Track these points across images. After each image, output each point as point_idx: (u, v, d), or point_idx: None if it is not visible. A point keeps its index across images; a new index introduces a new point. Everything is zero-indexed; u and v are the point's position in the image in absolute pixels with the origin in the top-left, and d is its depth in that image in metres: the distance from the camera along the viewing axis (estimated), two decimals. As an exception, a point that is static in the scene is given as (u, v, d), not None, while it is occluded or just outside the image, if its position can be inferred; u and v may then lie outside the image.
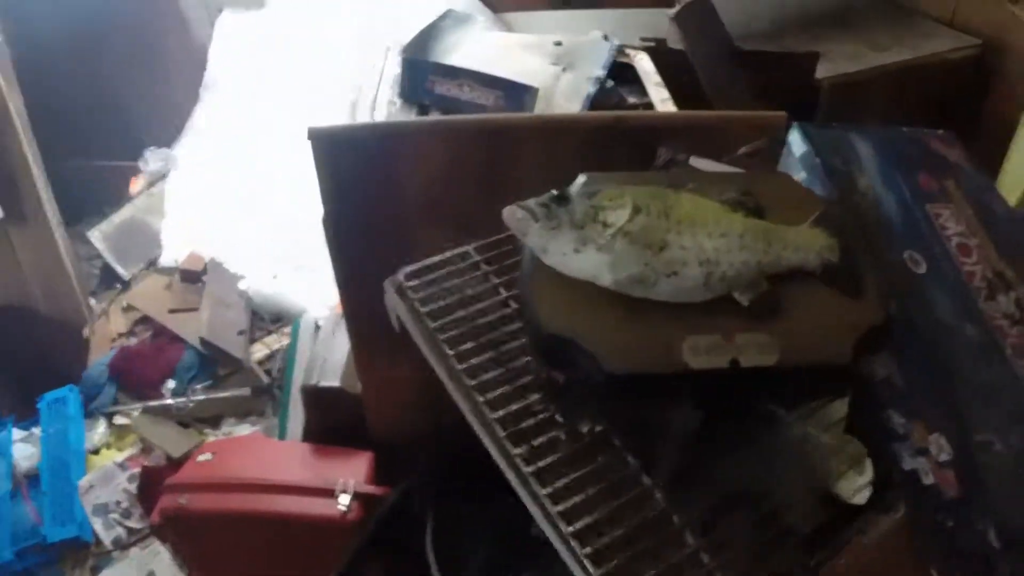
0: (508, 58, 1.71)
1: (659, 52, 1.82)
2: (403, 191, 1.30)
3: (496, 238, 0.99)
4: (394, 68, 1.71)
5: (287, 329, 2.18)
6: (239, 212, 2.34)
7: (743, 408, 0.83)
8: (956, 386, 0.88)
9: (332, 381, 1.74)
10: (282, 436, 1.85)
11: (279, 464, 1.70)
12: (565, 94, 1.64)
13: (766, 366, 0.76)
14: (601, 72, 1.74)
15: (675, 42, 1.85)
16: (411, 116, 1.57)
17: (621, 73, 1.80)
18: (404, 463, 1.71)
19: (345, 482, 1.62)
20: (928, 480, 0.84)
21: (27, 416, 2.10)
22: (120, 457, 2.01)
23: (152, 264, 2.35)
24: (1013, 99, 1.89)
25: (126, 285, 2.35)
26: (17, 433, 2.07)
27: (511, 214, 0.79)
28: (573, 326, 0.77)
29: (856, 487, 0.85)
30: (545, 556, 0.79)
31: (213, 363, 2.12)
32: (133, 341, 2.19)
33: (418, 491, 1.56)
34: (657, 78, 1.73)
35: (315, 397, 1.75)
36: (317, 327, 2.04)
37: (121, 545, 1.90)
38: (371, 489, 1.63)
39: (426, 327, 0.91)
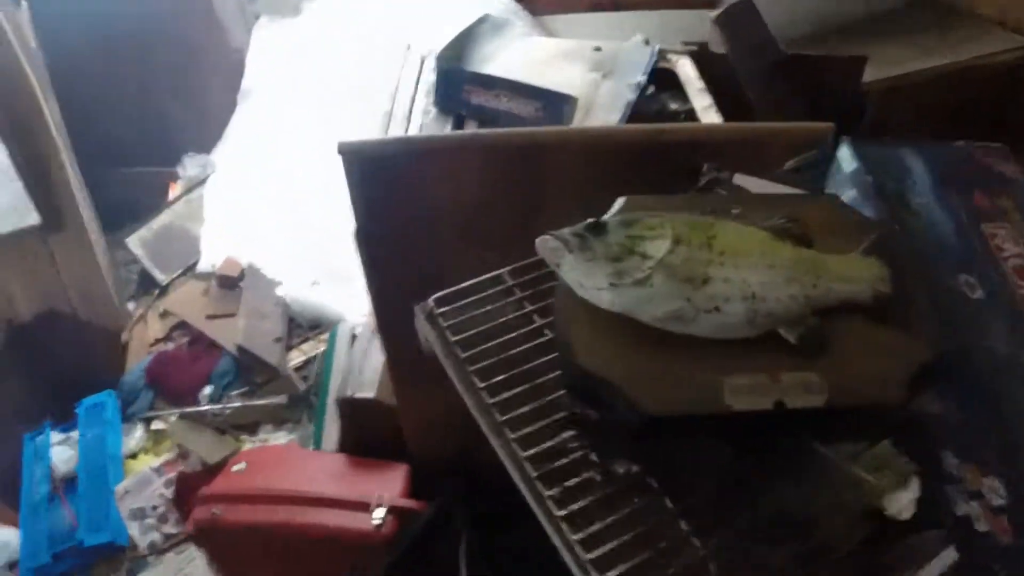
0: (546, 66, 1.67)
1: (701, 56, 1.77)
2: (436, 207, 1.28)
3: (530, 261, 0.95)
4: (429, 76, 1.68)
5: (324, 335, 2.17)
6: (277, 218, 2.34)
7: (786, 448, 0.78)
8: (1012, 424, 0.82)
9: (367, 393, 1.73)
10: (317, 445, 1.84)
11: (313, 476, 1.69)
12: (605, 103, 1.60)
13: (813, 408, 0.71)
14: (642, 78, 1.69)
15: (717, 46, 1.79)
16: (446, 126, 1.54)
17: (662, 78, 1.75)
18: (441, 476, 1.69)
19: (380, 496, 1.61)
20: (982, 526, 0.79)
21: (65, 420, 2.11)
22: (156, 462, 2.02)
23: (190, 270, 2.36)
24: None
25: (164, 290, 2.36)
26: (55, 436, 2.09)
27: (544, 244, 0.76)
28: (609, 365, 0.73)
29: (902, 504, 0.81)
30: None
31: (249, 370, 2.12)
32: (170, 346, 2.20)
33: (453, 510, 1.54)
34: (700, 84, 1.67)
35: (350, 409, 1.73)
36: (354, 336, 2.02)
37: (156, 550, 1.91)
38: (406, 503, 1.62)
39: (456, 357, 0.88)
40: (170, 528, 1.93)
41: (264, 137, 2.40)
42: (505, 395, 0.84)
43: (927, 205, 0.96)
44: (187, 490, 1.92)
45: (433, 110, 1.59)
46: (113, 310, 2.29)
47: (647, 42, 1.78)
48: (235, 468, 1.71)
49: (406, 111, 1.60)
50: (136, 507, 1.94)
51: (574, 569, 0.72)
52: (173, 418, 2.06)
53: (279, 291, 2.24)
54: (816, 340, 0.73)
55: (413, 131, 1.55)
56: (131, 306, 2.35)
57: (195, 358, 2.13)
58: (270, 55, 2.42)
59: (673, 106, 1.73)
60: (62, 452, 2.05)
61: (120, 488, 1.95)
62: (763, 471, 0.80)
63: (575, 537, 0.73)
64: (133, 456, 2.04)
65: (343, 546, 1.58)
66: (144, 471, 1.98)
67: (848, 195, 0.98)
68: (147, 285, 2.40)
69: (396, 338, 1.47)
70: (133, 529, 1.92)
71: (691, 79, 1.70)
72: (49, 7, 2.28)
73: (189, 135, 2.54)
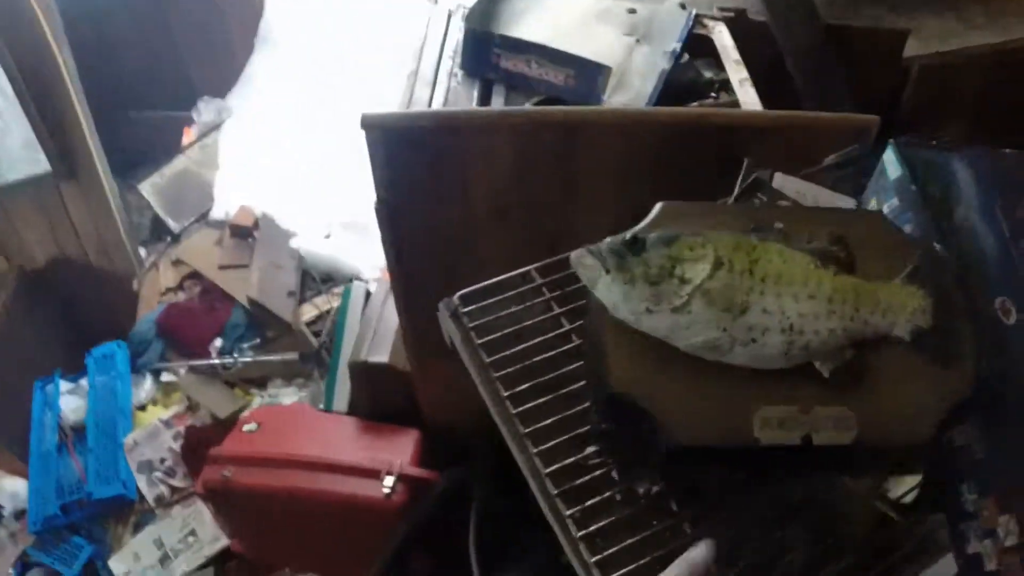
0: (579, 29, 1.60)
1: (739, 23, 1.70)
2: (466, 181, 1.24)
3: (560, 257, 0.92)
4: (457, 35, 1.61)
5: (337, 290, 2.16)
6: (292, 166, 2.30)
7: (809, 480, 0.76)
8: None
9: (381, 357, 1.71)
10: (328, 404, 1.83)
11: (324, 440, 1.68)
12: (639, 71, 1.53)
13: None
14: (677, 45, 1.62)
15: (756, 13, 1.72)
16: (473, 91, 1.48)
17: (697, 43, 1.69)
18: (453, 443, 1.68)
19: (391, 463, 1.60)
20: (991, 566, 0.77)
21: (77, 369, 2.11)
22: (166, 415, 2.02)
23: (203, 218, 2.33)
24: None
25: (176, 238, 2.33)
26: (64, 385, 2.09)
27: (579, 260, 0.72)
28: (640, 387, 0.71)
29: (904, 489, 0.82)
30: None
31: (261, 323, 2.10)
32: (182, 296, 2.19)
33: (468, 481, 1.53)
34: (736, 55, 1.61)
35: (363, 373, 1.72)
36: (368, 294, 2.01)
37: (164, 503, 1.92)
38: (417, 472, 1.62)
39: (481, 361, 0.85)
40: (178, 482, 1.94)
41: (282, 83, 2.34)
42: (529, 405, 0.81)
43: (970, 218, 0.91)
44: (195, 444, 1.93)
45: (459, 73, 1.53)
46: (126, 258, 2.27)
47: (683, 6, 1.71)
48: (246, 428, 1.71)
49: (432, 72, 1.54)
50: (144, 459, 1.95)
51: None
52: (183, 370, 2.05)
53: (293, 243, 2.21)
54: (851, 374, 0.71)
55: (439, 95, 1.49)
56: (143, 252, 2.33)
57: (207, 310, 2.11)
58: (291, -1, 2.36)
59: (708, 74, 1.66)
60: (71, 401, 2.05)
61: (129, 440, 1.95)
62: (786, 501, 0.79)
63: (593, 559, 0.72)
64: (142, 408, 2.04)
65: (353, 513, 1.59)
66: (153, 423, 1.99)
67: (890, 203, 0.93)
68: (160, 232, 2.37)
69: (414, 310, 1.45)
70: (141, 482, 1.93)
71: (727, 48, 1.64)
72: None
73: (205, 79, 2.47)
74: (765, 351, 0.69)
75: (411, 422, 1.74)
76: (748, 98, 1.52)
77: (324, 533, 1.65)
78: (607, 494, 0.76)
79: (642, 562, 0.72)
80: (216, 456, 1.63)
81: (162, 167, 2.39)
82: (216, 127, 2.43)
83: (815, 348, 0.70)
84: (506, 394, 0.82)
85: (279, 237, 2.22)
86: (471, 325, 0.87)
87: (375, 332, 1.79)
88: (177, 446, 1.95)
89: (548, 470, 0.77)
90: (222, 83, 2.44)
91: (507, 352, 0.84)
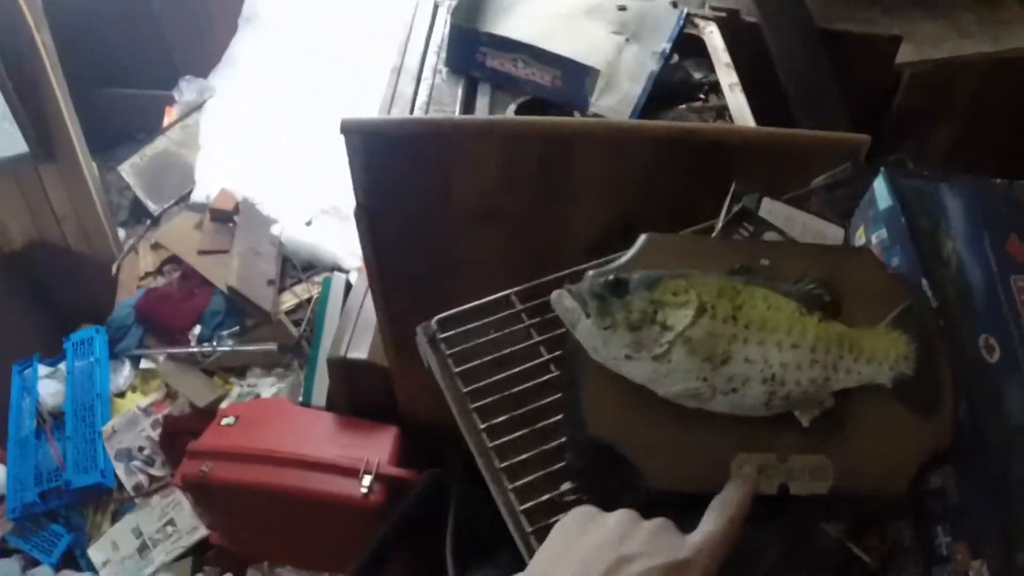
0: (568, 26, 1.57)
1: (731, 24, 1.67)
2: (450, 188, 1.22)
3: (541, 281, 0.91)
4: (444, 29, 1.58)
5: (318, 278, 2.13)
6: (275, 150, 2.26)
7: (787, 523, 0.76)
8: (1011, 504, 0.77)
9: (360, 353, 1.70)
10: (307, 397, 1.82)
11: (303, 436, 1.67)
12: (628, 72, 1.51)
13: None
14: (667, 45, 1.59)
15: (749, 14, 1.70)
16: (458, 90, 1.45)
17: (688, 44, 1.67)
18: (432, 440, 1.67)
19: (369, 462, 1.59)
20: None
21: (56, 353, 2.08)
22: (145, 402, 2.00)
23: (183, 200, 2.29)
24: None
25: (156, 220, 2.29)
26: (43, 369, 2.06)
27: (559, 301, 0.71)
28: (619, 431, 0.70)
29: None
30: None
31: (241, 310, 2.08)
32: (161, 281, 2.16)
33: (445, 483, 1.53)
34: (727, 57, 1.59)
35: (342, 369, 1.70)
36: (348, 285, 1.99)
37: (143, 492, 1.91)
38: (394, 471, 1.61)
39: (458, 391, 0.84)
40: (156, 471, 1.92)
41: (266, 64, 2.30)
42: (506, 438, 0.80)
43: (958, 253, 0.90)
44: (174, 433, 1.92)
45: (444, 70, 1.50)
46: (105, 241, 2.24)
47: (675, 4, 1.68)
48: (225, 421, 1.70)
49: (417, 67, 1.51)
50: (123, 447, 1.93)
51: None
52: (162, 358, 2.03)
53: (274, 229, 2.19)
54: (829, 423, 0.70)
55: (424, 91, 1.46)
56: (122, 233, 2.29)
57: (186, 295, 2.09)
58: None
59: (697, 76, 1.65)
60: (50, 385, 2.03)
61: (107, 427, 1.94)
62: (761, 544, 0.79)
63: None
64: (121, 395, 2.02)
65: (330, 510, 1.58)
66: (132, 411, 1.97)
67: (879, 234, 0.92)
68: (139, 214, 2.34)
69: (394, 312, 1.44)
70: (119, 470, 1.91)
71: (718, 50, 1.62)
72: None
73: (187, 58, 2.42)
74: (746, 401, 0.68)
75: (390, 417, 1.73)
76: (737, 104, 1.50)
77: (302, 528, 1.65)
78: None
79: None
80: (194, 450, 1.62)
81: (143, 148, 2.35)
82: (198, 107, 2.38)
83: (796, 398, 0.69)
84: (483, 426, 0.81)
85: (260, 223, 2.19)
86: (449, 352, 0.86)
87: (355, 326, 1.77)
88: (156, 434, 1.94)
89: (523, 507, 0.77)
90: (205, 62, 2.39)
91: (485, 381, 0.83)
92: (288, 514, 1.62)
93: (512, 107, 1.41)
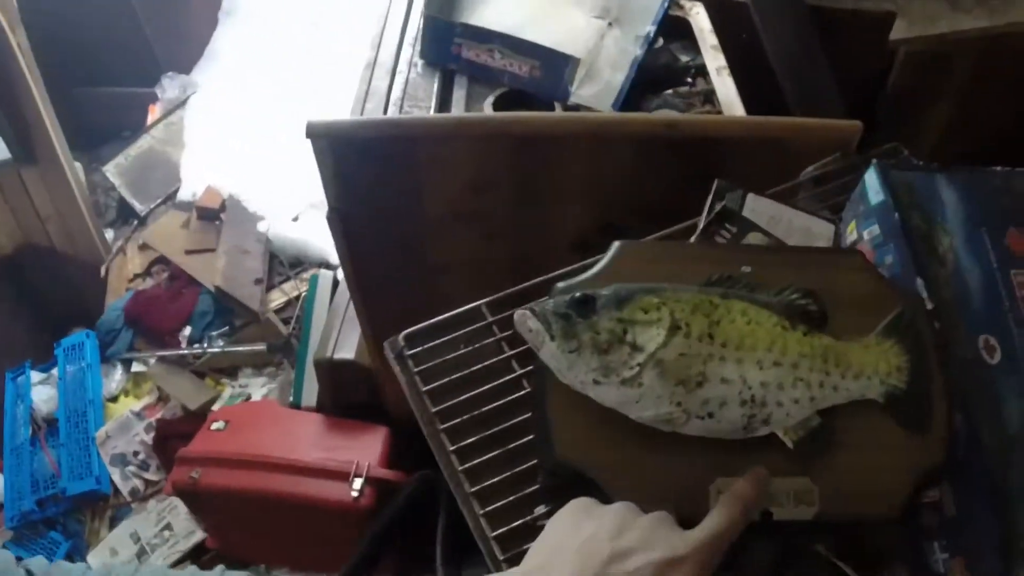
0: (546, 14, 1.52)
1: (718, 5, 1.62)
2: (423, 188, 1.18)
3: (511, 291, 0.87)
4: (418, 20, 1.53)
5: (306, 275, 2.10)
6: (260, 145, 2.22)
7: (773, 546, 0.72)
8: (1009, 517, 0.73)
9: (347, 354, 1.67)
10: (297, 399, 1.80)
11: (293, 439, 1.65)
12: (610, 60, 1.46)
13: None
14: (651, 28, 1.53)
15: (737, -7, 1.64)
16: (434, 83, 1.40)
17: (673, 27, 1.61)
18: (422, 439, 1.64)
19: (359, 465, 1.57)
20: None
21: (47, 359, 2.06)
22: (137, 406, 1.98)
23: (170, 199, 2.26)
24: None
25: (143, 220, 2.26)
26: (35, 376, 2.04)
27: (522, 322, 0.67)
28: (587, 455, 0.67)
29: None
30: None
31: (229, 310, 2.05)
32: (149, 283, 2.13)
33: (433, 489, 1.50)
34: (714, 40, 1.54)
35: (329, 370, 1.67)
36: (336, 282, 1.96)
37: (139, 497, 1.90)
38: (384, 473, 1.59)
39: (427, 410, 0.81)
40: (151, 475, 1.91)
41: (248, 59, 2.25)
42: (476, 460, 0.77)
43: (955, 249, 0.85)
44: (167, 436, 1.89)
45: (419, 63, 1.45)
46: (92, 243, 2.21)
47: (659, -14, 1.63)
48: (214, 426, 1.67)
49: (392, 61, 1.46)
50: (117, 452, 1.92)
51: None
52: (153, 361, 2.00)
53: (261, 226, 2.15)
54: (815, 445, 0.66)
55: (398, 85, 1.42)
56: (109, 235, 2.26)
57: (174, 297, 2.06)
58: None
59: (684, 59, 1.59)
60: (43, 392, 2.01)
61: (101, 433, 1.92)
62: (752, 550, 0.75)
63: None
64: (114, 399, 2.00)
65: (321, 515, 1.56)
66: (125, 415, 1.95)
67: (871, 230, 0.87)
68: (126, 214, 2.30)
69: (374, 314, 1.40)
70: (115, 475, 1.90)
71: (704, 32, 1.56)
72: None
73: (169, 54, 2.37)
74: (723, 426, 0.65)
75: (380, 417, 1.70)
76: (725, 88, 1.45)
77: (294, 532, 1.63)
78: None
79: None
80: (184, 457, 1.60)
81: (127, 147, 2.31)
82: (181, 104, 2.34)
83: (778, 420, 0.65)
84: (452, 448, 0.78)
85: (246, 220, 2.15)
86: (417, 370, 0.83)
87: (341, 325, 1.74)
88: (149, 438, 1.92)
89: (495, 534, 0.74)
90: (186, 58, 2.35)
91: (455, 400, 0.80)
92: (280, 519, 1.60)
93: (489, 100, 1.36)
